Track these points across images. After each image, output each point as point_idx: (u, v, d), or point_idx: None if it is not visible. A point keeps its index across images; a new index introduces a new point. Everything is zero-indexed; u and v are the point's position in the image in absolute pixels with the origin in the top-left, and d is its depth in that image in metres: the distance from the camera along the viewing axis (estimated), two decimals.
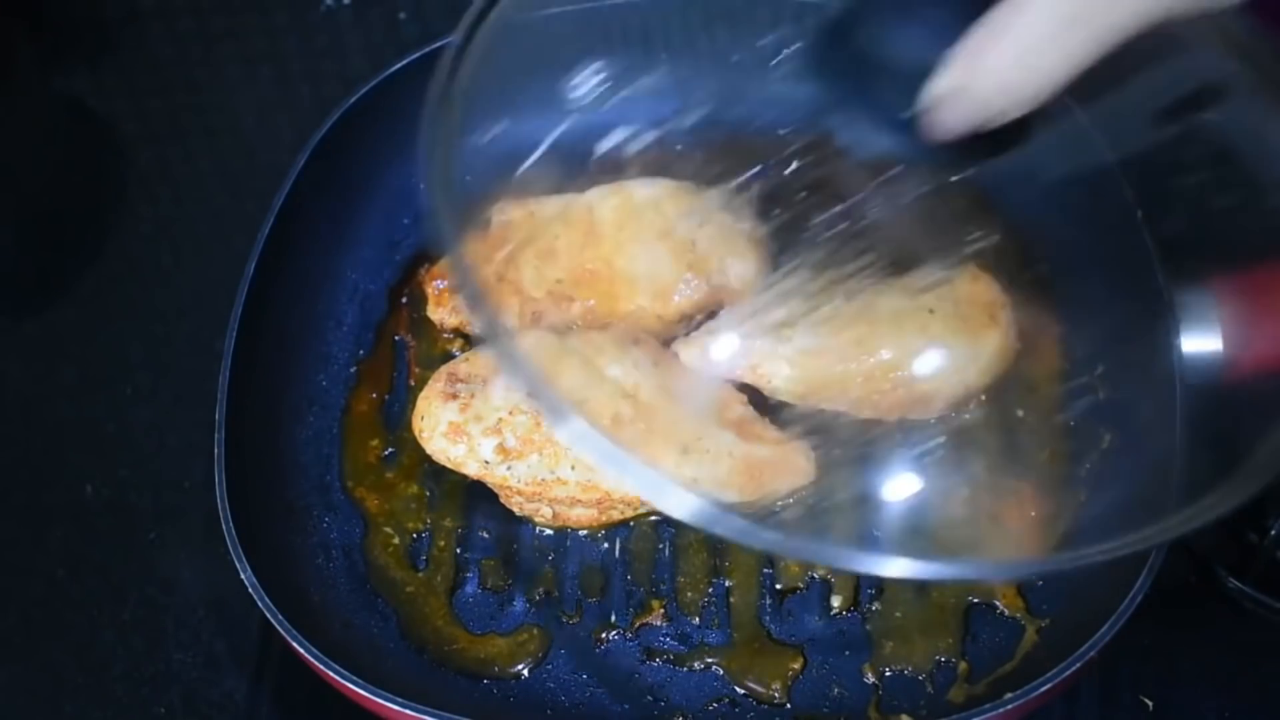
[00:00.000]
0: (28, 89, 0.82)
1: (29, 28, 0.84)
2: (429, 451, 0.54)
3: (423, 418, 0.54)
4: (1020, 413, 0.56)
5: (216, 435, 0.53)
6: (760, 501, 0.53)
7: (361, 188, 0.65)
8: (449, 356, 0.58)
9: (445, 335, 0.60)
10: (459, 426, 0.53)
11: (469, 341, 0.59)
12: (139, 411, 0.66)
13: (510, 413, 0.53)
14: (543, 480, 0.53)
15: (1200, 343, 0.54)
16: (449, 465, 0.54)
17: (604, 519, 0.53)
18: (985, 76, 0.38)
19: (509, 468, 0.53)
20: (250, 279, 0.58)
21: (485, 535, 0.55)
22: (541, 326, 0.57)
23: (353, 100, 0.64)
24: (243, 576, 0.49)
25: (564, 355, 0.54)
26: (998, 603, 0.53)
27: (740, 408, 0.54)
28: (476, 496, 0.55)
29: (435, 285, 0.60)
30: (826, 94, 0.40)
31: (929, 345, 0.54)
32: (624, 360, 0.53)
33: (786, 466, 0.53)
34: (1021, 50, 0.37)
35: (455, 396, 0.54)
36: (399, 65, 0.65)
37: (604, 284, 0.56)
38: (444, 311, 0.59)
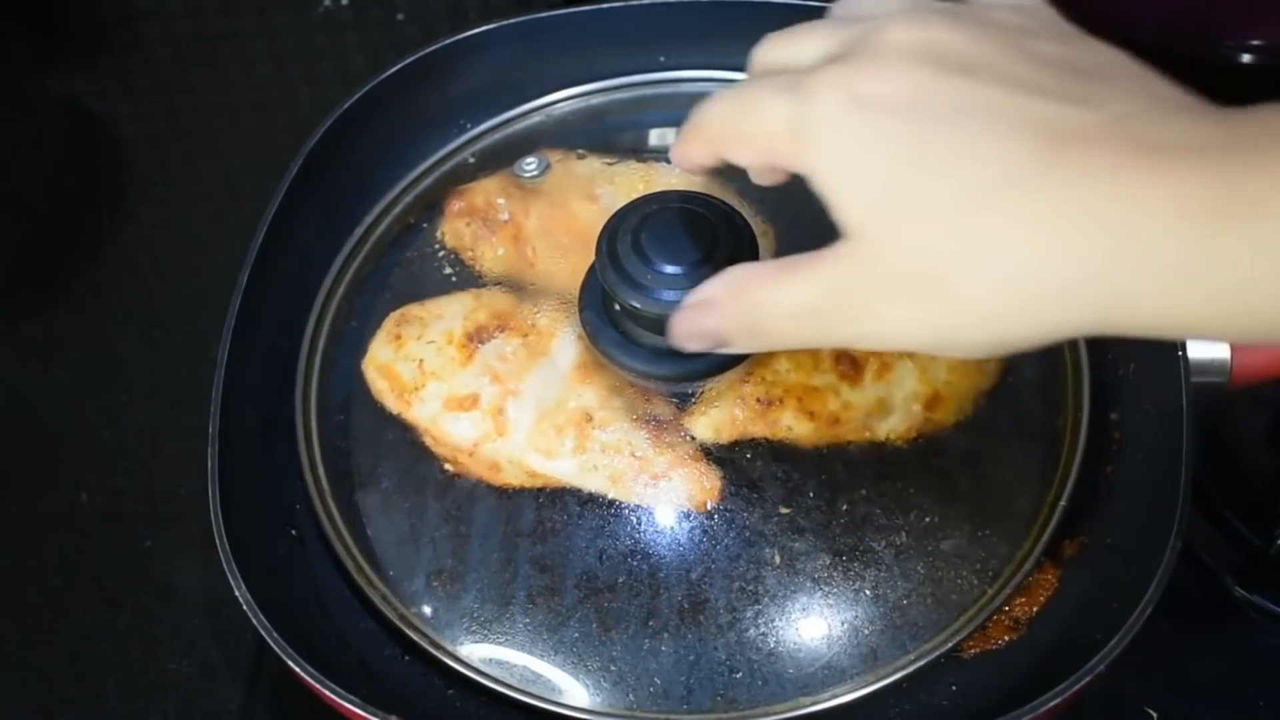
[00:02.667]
0: (26, 89, 0.82)
1: (28, 28, 0.84)
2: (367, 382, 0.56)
3: (365, 355, 0.57)
4: (1023, 412, 0.56)
5: (210, 449, 0.52)
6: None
7: (361, 188, 0.65)
8: None
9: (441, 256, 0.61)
10: (388, 366, 0.55)
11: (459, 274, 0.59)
12: (134, 418, 0.66)
13: (434, 344, 0.55)
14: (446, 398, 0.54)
15: (1206, 345, 0.54)
16: (377, 398, 0.56)
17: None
18: (751, 311, 0.39)
19: (420, 399, 0.54)
20: (244, 288, 0.57)
21: (480, 545, 0.54)
22: (535, 273, 0.58)
23: (353, 100, 0.63)
24: (237, 594, 0.49)
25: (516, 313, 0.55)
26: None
27: (664, 405, 0.53)
28: (471, 507, 0.55)
29: (455, 205, 0.61)
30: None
31: None
32: (565, 334, 0.54)
33: (691, 481, 0.52)
34: (790, 310, 0.37)
35: (398, 338, 0.56)
36: (399, 65, 0.65)
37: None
38: (450, 231, 0.60)
